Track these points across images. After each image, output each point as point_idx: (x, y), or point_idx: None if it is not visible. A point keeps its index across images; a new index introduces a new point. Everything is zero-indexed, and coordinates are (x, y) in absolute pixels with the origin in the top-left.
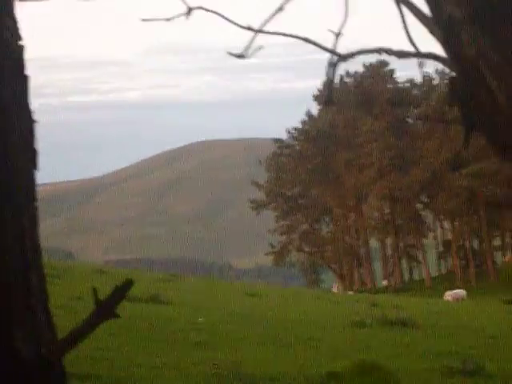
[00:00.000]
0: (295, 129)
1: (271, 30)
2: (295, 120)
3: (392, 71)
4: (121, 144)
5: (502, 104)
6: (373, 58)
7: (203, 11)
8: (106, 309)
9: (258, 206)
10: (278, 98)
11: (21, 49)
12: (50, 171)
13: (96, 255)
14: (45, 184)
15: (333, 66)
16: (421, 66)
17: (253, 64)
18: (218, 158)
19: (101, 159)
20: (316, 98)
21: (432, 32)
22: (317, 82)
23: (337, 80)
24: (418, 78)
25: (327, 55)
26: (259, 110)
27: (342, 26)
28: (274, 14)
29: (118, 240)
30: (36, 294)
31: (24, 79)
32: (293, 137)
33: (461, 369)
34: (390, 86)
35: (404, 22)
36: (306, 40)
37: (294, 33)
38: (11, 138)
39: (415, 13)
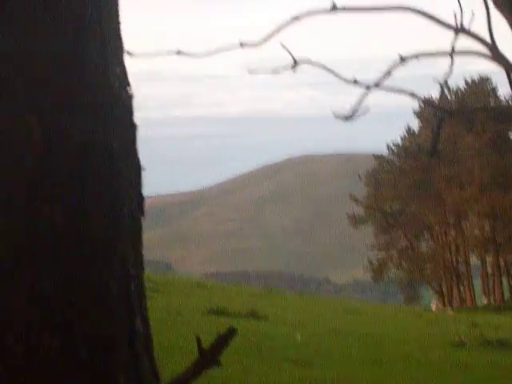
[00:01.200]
0: (395, 144)
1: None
2: (390, 135)
3: (494, 88)
4: (221, 158)
5: None
6: (475, 74)
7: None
8: (209, 357)
9: (356, 221)
10: (374, 112)
11: (129, 97)
12: (151, 184)
13: (195, 267)
14: (146, 197)
15: (439, 122)
16: None
17: (355, 77)
18: (316, 172)
19: (202, 173)
20: (416, 113)
21: None
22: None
23: (437, 95)
24: None
25: (427, 72)
26: (358, 124)
27: (448, 77)
28: (384, 77)
29: (216, 252)
30: (141, 339)
31: (133, 128)
32: (393, 152)
33: None
34: (492, 101)
35: (510, 79)
36: (413, 95)
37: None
38: (120, 185)
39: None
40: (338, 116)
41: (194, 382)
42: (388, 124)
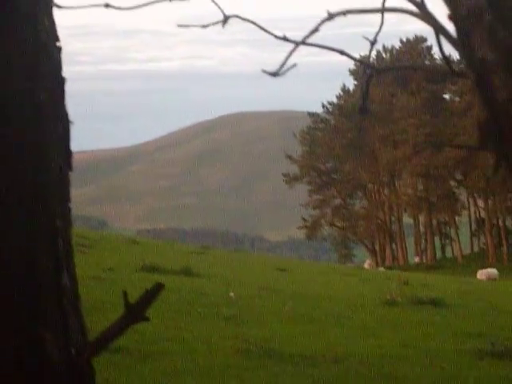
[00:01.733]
0: (330, 103)
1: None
2: (330, 94)
3: (429, 47)
4: (155, 114)
5: None
6: (410, 34)
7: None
8: (135, 312)
9: (291, 179)
10: (312, 71)
11: (58, 50)
12: (83, 139)
13: (129, 224)
14: (78, 152)
15: (368, 79)
16: None
17: (289, 35)
18: (252, 129)
19: (135, 128)
20: (352, 72)
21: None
22: (355, 56)
23: (373, 55)
24: (456, 56)
25: (365, 29)
26: (294, 83)
27: (377, 34)
28: (310, 33)
29: (151, 209)
30: (68, 295)
31: (61, 81)
32: (328, 111)
33: (490, 351)
34: (427, 61)
35: (440, 44)
36: (342, 52)
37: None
38: (47, 139)
39: (454, 44)
40: (265, 72)
41: (127, 339)
42: (326, 83)
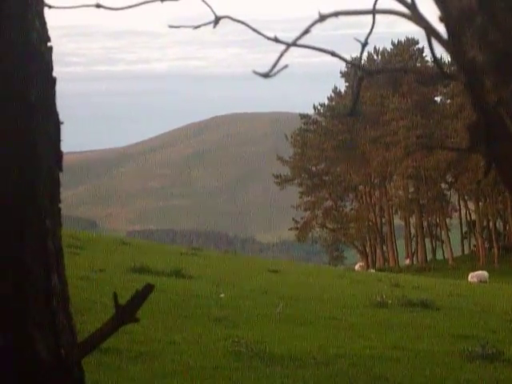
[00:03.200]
0: (322, 105)
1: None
2: (322, 95)
3: (421, 50)
4: (147, 115)
5: None
6: (402, 36)
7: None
8: (126, 313)
9: (282, 181)
10: (304, 73)
11: (49, 50)
12: (75, 140)
13: (120, 225)
14: (69, 153)
15: (358, 82)
16: None
17: (281, 37)
18: (244, 131)
19: (127, 130)
20: (343, 74)
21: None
22: (346, 57)
23: (364, 57)
24: (447, 58)
25: (357, 31)
26: (285, 84)
27: (368, 36)
28: (301, 35)
29: (142, 210)
30: (57, 295)
31: (51, 81)
32: (319, 113)
33: (480, 353)
34: (418, 64)
35: (431, 46)
36: (333, 54)
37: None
38: (37, 139)
39: (445, 46)
40: (256, 73)
41: (117, 340)
42: (318, 85)
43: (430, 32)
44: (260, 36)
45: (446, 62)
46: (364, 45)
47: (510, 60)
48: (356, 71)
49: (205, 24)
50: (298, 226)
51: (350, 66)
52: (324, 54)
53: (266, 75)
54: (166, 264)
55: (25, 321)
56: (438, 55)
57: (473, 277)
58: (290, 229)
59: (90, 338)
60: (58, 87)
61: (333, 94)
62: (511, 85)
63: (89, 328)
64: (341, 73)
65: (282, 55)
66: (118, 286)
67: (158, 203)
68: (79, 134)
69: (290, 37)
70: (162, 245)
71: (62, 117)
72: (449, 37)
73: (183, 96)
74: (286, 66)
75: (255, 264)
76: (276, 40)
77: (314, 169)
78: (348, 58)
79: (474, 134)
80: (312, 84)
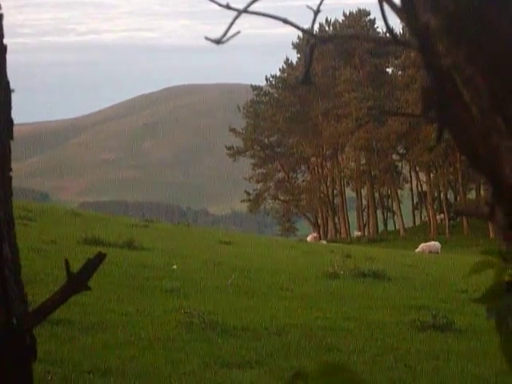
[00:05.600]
0: (273, 76)
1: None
2: (274, 67)
3: (372, 21)
4: (98, 86)
5: (476, 116)
6: (353, 8)
7: None
8: (78, 281)
9: (234, 152)
10: (257, 44)
11: None
12: (25, 111)
13: (72, 197)
14: (20, 124)
15: (311, 49)
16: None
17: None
18: (196, 102)
19: (77, 101)
20: (295, 45)
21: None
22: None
23: (316, 28)
24: (399, 29)
25: (310, 2)
26: (237, 56)
27: (320, 4)
28: (252, 1)
29: (94, 182)
30: (9, 265)
31: (2, 48)
32: (271, 84)
33: (432, 323)
34: (373, 34)
35: (383, 11)
36: (285, 21)
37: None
38: None
39: (397, 11)
40: (208, 39)
41: (69, 311)
42: (270, 56)
43: None
44: (210, 7)
45: (398, 32)
46: (316, 12)
47: (461, 23)
48: (309, 39)
49: None
50: (251, 197)
51: (301, 36)
52: (274, 26)
53: (217, 41)
54: (118, 236)
55: None
56: (391, 26)
57: (423, 247)
58: (243, 201)
59: (41, 306)
60: (8, 58)
61: (285, 66)
62: (463, 48)
63: (40, 299)
64: (292, 44)
65: (233, 21)
66: (69, 257)
67: (110, 175)
68: (31, 106)
69: (241, 6)
70: (114, 216)
71: (12, 87)
72: (401, 2)
73: (134, 67)
74: (238, 33)
75: (208, 236)
76: (228, 7)
77: (266, 140)
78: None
79: (427, 98)
80: (264, 56)
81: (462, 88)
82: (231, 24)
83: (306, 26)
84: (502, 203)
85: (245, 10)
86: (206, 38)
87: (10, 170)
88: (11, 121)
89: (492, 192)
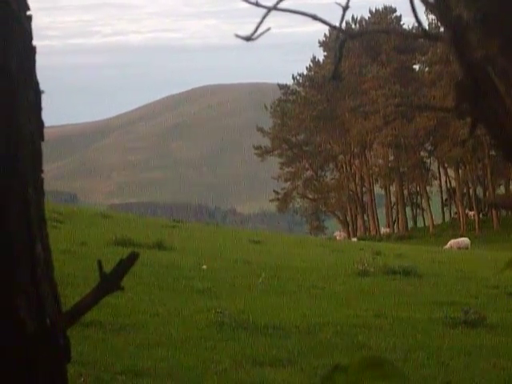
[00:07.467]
0: (300, 75)
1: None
2: (301, 65)
3: (398, 17)
4: (125, 88)
5: (510, 108)
6: (380, 4)
7: None
8: (110, 281)
9: (262, 152)
10: (283, 43)
11: (28, 19)
12: (54, 114)
13: (100, 198)
14: (48, 127)
15: (341, 45)
16: (428, 13)
17: (256, 8)
18: (223, 102)
19: (105, 103)
20: (322, 43)
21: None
22: (324, 27)
23: (343, 26)
24: (425, 25)
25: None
26: (264, 55)
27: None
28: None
29: (122, 183)
30: (41, 265)
31: (31, 51)
32: (298, 83)
33: (463, 319)
34: (402, 29)
35: (413, 5)
36: (315, 17)
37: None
38: (18, 109)
39: (428, 4)
40: (239, 36)
41: (100, 313)
42: (297, 55)
43: None
44: (234, 6)
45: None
46: (345, 9)
47: (495, 15)
48: (338, 35)
49: None
50: (279, 196)
51: (328, 35)
52: (300, 25)
53: (248, 38)
54: (147, 236)
55: (9, 289)
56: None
57: (452, 244)
58: (271, 200)
59: (75, 306)
60: (37, 61)
61: (311, 64)
62: (497, 40)
63: (71, 301)
64: (319, 42)
65: (264, 18)
66: (100, 258)
67: (138, 176)
68: (58, 108)
69: (270, 4)
70: (143, 217)
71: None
72: None
73: (160, 68)
74: (268, 29)
75: (237, 235)
76: (257, 4)
77: (293, 139)
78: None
79: (461, 92)
80: (290, 54)
81: (496, 80)
82: (261, 21)
83: (334, 23)
84: None
85: (275, 8)
86: (237, 36)
87: (42, 171)
88: (42, 122)
89: None
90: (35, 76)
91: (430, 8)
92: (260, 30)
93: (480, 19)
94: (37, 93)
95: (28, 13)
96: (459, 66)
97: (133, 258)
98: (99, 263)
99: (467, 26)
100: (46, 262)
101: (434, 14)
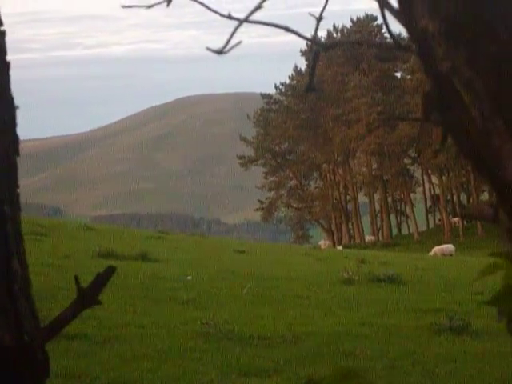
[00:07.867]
0: (283, 84)
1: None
2: (282, 74)
3: (380, 26)
4: (108, 99)
5: (476, 119)
6: (361, 13)
7: None
8: (88, 296)
9: (246, 162)
10: (265, 53)
11: (2, 35)
12: (36, 126)
13: (85, 210)
14: (31, 140)
15: (314, 56)
16: None
17: (238, 16)
18: (206, 112)
19: (88, 115)
20: (304, 52)
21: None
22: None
23: (324, 35)
24: (405, 34)
25: (314, 9)
26: (247, 65)
27: (322, 11)
28: (253, 11)
29: (106, 195)
30: (18, 281)
31: (5, 66)
32: (281, 92)
33: (448, 326)
34: (377, 40)
35: (384, 18)
36: (287, 29)
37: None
38: None
39: (397, 15)
40: (210, 50)
41: (85, 326)
42: (279, 64)
43: (383, 3)
44: (215, 17)
45: (405, 37)
46: (318, 20)
47: (459, 26)
48: (312, 46)
49: (158, 3)
50: (264, 206)
51: (310, 43)
52: (283, 34)
53: (219, 52)
54: (131, 248)
55: None
56: (397, 31)
57: (437, 251)
58: (256, 209)
59: (52, 322)
60: (17, 74)
61: (294, 73)
62: (462, 52)
63: (55, 314)
64: (301, 51)
65: (234, 31)
66: (83, 271)
67: (123, 187)
68: (41, 121)
69: (244, 15)
70: (128, 229)
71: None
72: (399, 5)
73: (144, 79)
74: (239, 42)
75: (221, 245)
76: (229, 17)
77: (277, 148)
78: (304, 36)
79: (428, 103)
80: (273, 64)
81: (462, 91)
82: (232, 34)
83: (312, 33)
84: (505, 205)
85: (246, 20)
86: (208, 49)
87: (18, 186)
88: (17, 137)
89: (495, 194)
90: (9, 91)
91: (397, 19)
92: (233, 42)
93: (445, 30)
94: (11, 108)
95: (1, 28)
96: (426, 77)
97: (110, 272)
98: (76, 278)
99: (433, 37)
100: (24, 278)
101: (401, 25)
